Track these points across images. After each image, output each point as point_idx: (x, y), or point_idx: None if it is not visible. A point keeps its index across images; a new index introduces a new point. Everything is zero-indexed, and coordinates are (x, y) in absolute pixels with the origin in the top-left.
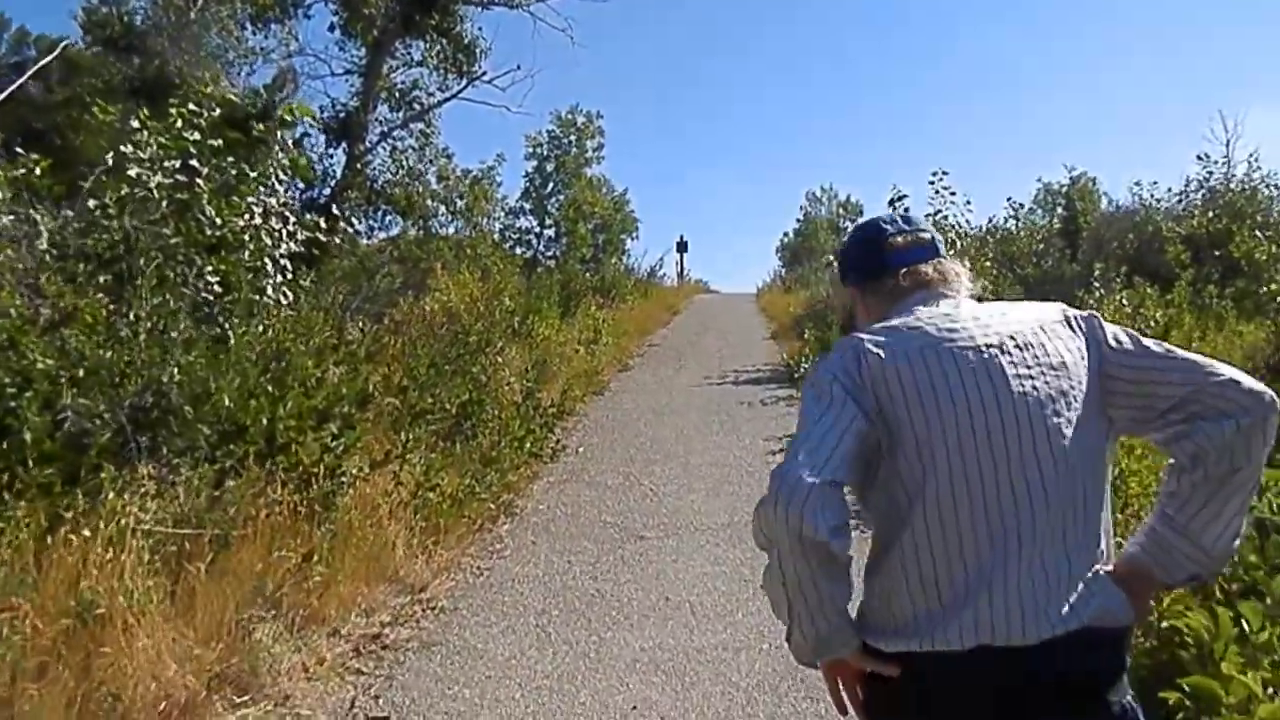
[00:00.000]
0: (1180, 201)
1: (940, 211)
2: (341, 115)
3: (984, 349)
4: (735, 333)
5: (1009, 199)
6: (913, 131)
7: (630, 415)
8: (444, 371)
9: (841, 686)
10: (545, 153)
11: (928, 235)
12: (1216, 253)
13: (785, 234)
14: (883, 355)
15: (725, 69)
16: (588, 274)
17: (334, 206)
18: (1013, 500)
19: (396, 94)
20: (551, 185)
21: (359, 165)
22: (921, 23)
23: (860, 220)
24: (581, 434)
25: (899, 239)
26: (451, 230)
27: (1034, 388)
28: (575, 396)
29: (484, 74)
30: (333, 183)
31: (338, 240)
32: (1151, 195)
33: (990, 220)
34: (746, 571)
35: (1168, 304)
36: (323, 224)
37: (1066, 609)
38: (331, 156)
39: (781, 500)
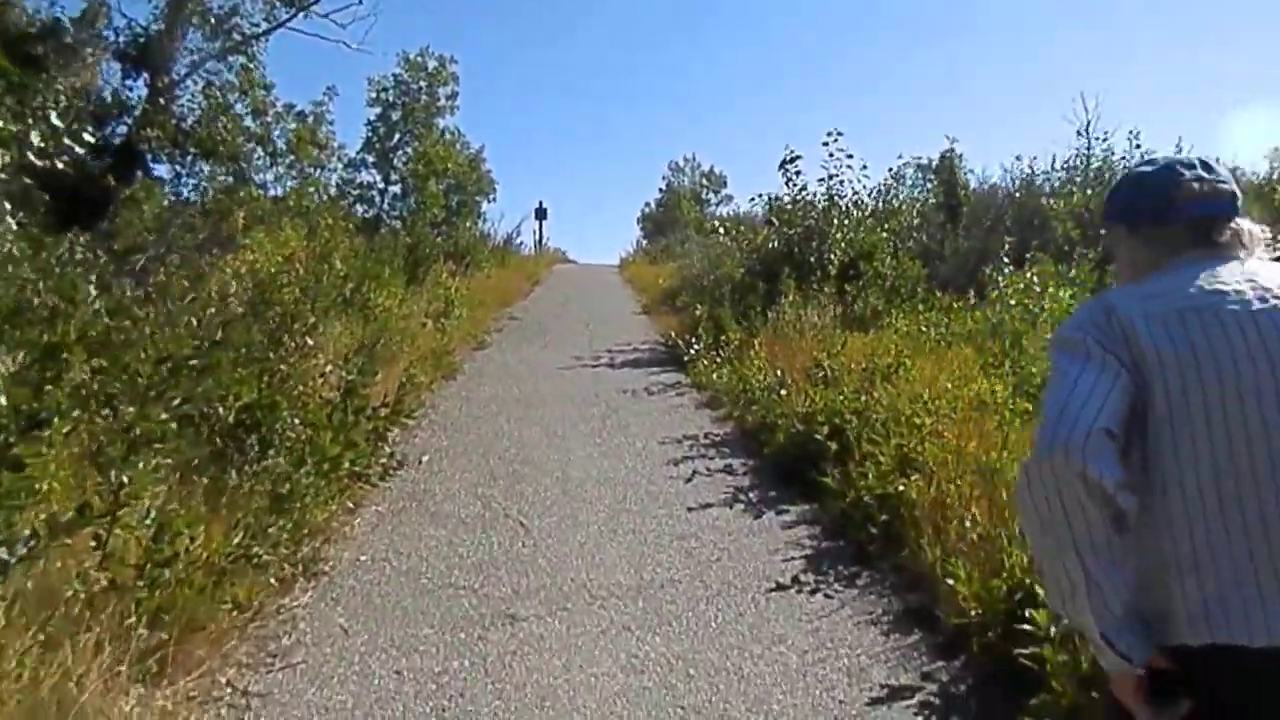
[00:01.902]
0: (1061, 179)
1: (835, 175)
2: (142, 41)
3: (1257, 313)
4: (603, 306)
5: (890, 169)
6: (777, 106)
7: (489, 408)
8: (188, 369)
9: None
10: (391, 99)
11: (1228, 188)
12: (1103, 230)
13: (647, 204)
14: (1135, 315)
15: (586, 35)
16: (439, 238)
17: (90, 135)
18: None
19: (212, 20)
20: (398, 136)
21: (163, 100)
22: None
23: (1148, 158)
24: (427, 434)
25: (1196, 185)
26: (272, 177)
27: None
28: (419, 384)
29: (316, 2)
30: (129, 119)
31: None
32: (1033, 171)
33: (876, 189)
34: (678, 682)
35: (1071, 282)
36: (36, 140)
37: None
38: (130, 89)
39: (1059, 447)
